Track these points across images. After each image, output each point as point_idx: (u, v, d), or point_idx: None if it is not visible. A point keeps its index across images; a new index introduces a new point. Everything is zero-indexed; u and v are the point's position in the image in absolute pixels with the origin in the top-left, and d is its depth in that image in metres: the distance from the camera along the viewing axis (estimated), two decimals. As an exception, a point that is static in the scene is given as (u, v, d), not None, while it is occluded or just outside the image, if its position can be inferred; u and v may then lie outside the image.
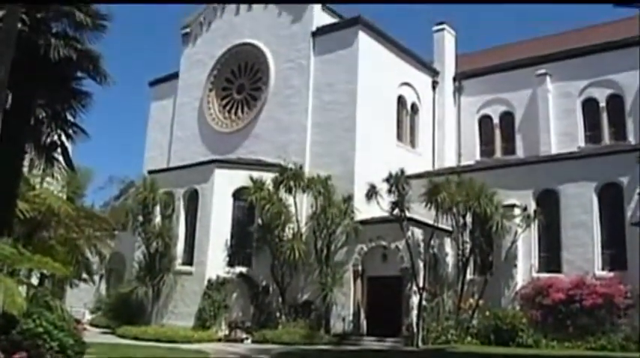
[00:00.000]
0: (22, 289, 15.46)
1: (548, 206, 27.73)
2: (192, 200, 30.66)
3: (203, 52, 37.27)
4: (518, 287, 27.42)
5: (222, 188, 29.90)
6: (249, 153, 32.40)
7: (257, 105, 33.67)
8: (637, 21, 29.36)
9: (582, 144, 32.13)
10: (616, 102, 31.99)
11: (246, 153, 32.56)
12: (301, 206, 29.11)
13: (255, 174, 29.27)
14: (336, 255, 28.44)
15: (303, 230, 28.92)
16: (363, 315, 27.77)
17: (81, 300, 34.18)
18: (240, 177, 29.58)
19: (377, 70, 31.75)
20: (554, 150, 32.00)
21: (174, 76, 38.91)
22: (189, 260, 30.03)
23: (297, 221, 28.68)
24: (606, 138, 31.89)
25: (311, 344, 25.59)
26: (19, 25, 15.30)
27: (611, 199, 26.80)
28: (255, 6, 35.37)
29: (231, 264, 29.30)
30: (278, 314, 28.31)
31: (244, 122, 33.85)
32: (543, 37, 37.22)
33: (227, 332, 27.97)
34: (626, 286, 25.06)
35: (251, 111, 33.94)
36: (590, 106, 32.66)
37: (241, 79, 35.48)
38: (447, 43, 37.40)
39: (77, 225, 23.22)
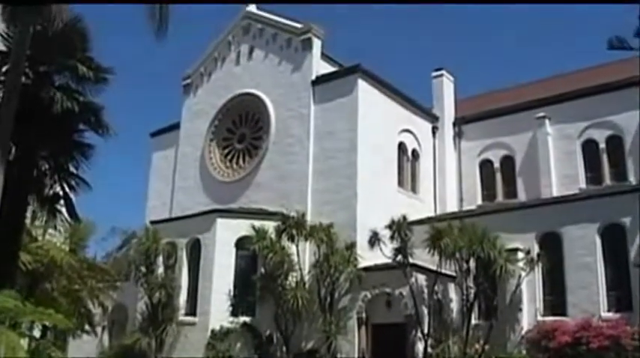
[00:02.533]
0: (24, 342, 15.39)
1: (552, 249, 27.60)
2: (195, 250, 30.60)
3: (204, 102, 37.60)
4: (523, 332, 27.11)
5: (225, 237, 29.87)
6: (251, 202, 32.46)
7: (258, 154, 33.83)
8: (634, 62, 29.65)
9: (583, 185, 32.13)
10: (615, 143, 32.09)
11: (248, 202, 32.62)
12: (304, 254, 29.01)
13: (257, 223, 29.21)
14: (339, 303, 28.23)
15: (306, 278, 28.78)
16: (368, 363, 27.52)
17: (83, 352, 33.81)
18: (243, 226, 29.53)
19: (377, 117, 31.99)
20: (556, 192, 31.99)
21: (176, 126, 39.16)
22: (192, 310, 29.83)
23: (300, 269, 28.56)
24: (607, 179, 31.90)
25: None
26: (23, 79, 15.51)
27: (614, 240, 26.68)
28: (255, 55, 35.80)
29: (234, 313, 29.08)
30: (282, 363, 28.05)
31: (246, 171, 33.97)
32: (541, 80, 37.54)
33: (232, 383, 27.69)
34: (632, 327, 24.80)
35: (252, 160, 34.08)
36: (590, 148, 32.75)
37: (242, 128, 35.72)
38: (445, 89, 37.66)
39: (79, 276, 23.27)
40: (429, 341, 25.91)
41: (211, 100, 37.07)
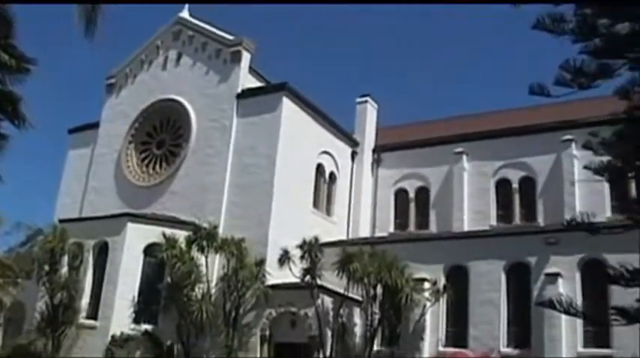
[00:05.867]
0: None
1: (458, 281, 28.12)
2: (102, 253, 29.90)
3: (126, 104, 36.94)
4: (424, 361, 27.52)
5: (134, 242, 29.32)
6: (165, 209, 31.95)
7: (176, 162, 33.39)
8: (555, 108, 30.58)
9: (494, 223, 32.82)
10: (528, 184, 32.90)
11: (161, 209, 32.09)
12: (213, 266, 28.66)
13: (169, 231, 28.84)
14: (244, 318, 28.04)
15: (213, 291, 28.41)
16: (267, 381, 27.37)
17: (-26, 350, 32.65)
18: (153, 233, 29.11)
19: (298, 136, 32.06)
20: (467, 227, 32.58)
21: (95, 125, 38.28)
22: (93, 314, 29.07)
23: (208, 281, 28.19)
24: (517, 219, 32.66)
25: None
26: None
27: (518, 278, 27.39)
28: (182, 62, 35.47)
29: (137, 320, 28.48)
30: (182, 376, 27.60)
31: (162, 178, 33.47)
32: (462, 116, 38.28)
33: (127, 392, 27.07)
34: (529, 363, 25.61)
35: (169, 167, 33.61)
36: (503, 187, 33.48)
37: (162, 134, 35.20)
38: (368, 115, 37.96)
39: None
40: (331, 364, 25.95)
41: (134, 102, 36.46)
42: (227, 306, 27.92)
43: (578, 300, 23.79)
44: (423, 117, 41.92)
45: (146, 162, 34.99)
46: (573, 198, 30.42)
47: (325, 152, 34.38)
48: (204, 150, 32.49)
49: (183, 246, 28.20)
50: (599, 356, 25.07)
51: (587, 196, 29.83)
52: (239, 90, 32.75)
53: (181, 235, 28.63)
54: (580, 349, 25.59)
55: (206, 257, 28.15)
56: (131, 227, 29.65)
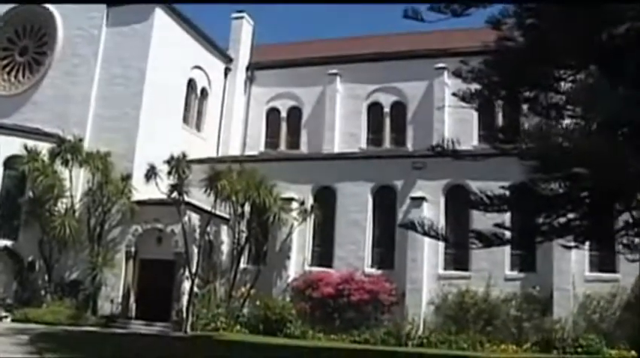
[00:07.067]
0: None
1: (326, 202, 28.52)
2: (-43, 162, 28.38)
3: (-14, 7, 34.51)
4: (290, 280, 27.96)
5: (-7, 154, 27.97)
6: (27, 120, 30.19)
7: (40, 71, 31.55)
8: (430, 36, 30.93)
9: (364, 146, 33.28)
10: (399, 109, 33.43)
11: (22, 119, 30.30)
12: (77, 181, 27.83)
13: (31, 143, 27.67)
14: (109, 235, 27.66)
15: (77, 206, 27.73)
16: (132, 298, 27.17)
17: None
18: (14, 145, 27.78)
19: (170, 49, 30.94)
20: (337, 149, 32.89)
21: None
22: (-53, 229, 27.82)
23: (72, 196, 27.43)
24: (387, 143, 33.22)
25: (76, 325, 24.54)
26: None
27: (385, 201, 28.09)
28: (48, -35, 33.28)
29: (-5, 236, 27.51)
30: (43, 292, 26.94)
31: (24, 87, 31.56)
32: (339, 39, 37.98)
33: (-17, 310, 26.19)
34: (391, 284, 26.50)
35: (33, 76, 31.73)
36: (375, 110, 33.87)
37: (25, 40, 32.96)
38: (244, 32, 37.22)
39: None
40: (196, 281, 25.99)
41: (-6, 6, 34.08)
42: (91, 222, 27.46)
43: (442, 224, 24.48)
44: (300, 38, 41.36)
45: (7, 69, 32.93)
46: (442, 126, 31.16)
47: (197, 67, 33.52)
48: (71, 59, 30.87)
49: (45, 158, 27.30)
50: (458, 277, 26.22)
51: (456, 124, 30.57)
52: (109, -3, 31.10)
53: (44, 147, 27.64)
54: (441, 271, 26.69)
55: (70, 171, 27.31)
56: (-10, 138, 28.19)
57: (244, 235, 27.91)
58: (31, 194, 27.61)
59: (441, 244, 25.26)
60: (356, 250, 27.68)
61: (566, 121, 14.20)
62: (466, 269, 26.34)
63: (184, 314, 25.40)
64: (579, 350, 23.28)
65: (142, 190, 27.08)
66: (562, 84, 14.58)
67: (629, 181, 12.50)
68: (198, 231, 26.91)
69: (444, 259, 26.95)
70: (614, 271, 24.72)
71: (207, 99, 34.53)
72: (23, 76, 32.18)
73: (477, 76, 15.33)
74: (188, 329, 25.05)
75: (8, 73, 32.58)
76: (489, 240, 15.61)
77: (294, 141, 34.97)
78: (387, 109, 33.55)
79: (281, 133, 35.53)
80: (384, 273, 27.07)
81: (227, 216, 28.06)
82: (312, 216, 28.26)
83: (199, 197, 26.90)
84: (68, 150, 27.21)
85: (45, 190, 26.89)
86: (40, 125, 29.59)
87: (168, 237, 26.86)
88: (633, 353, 22.37)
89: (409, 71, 32.80)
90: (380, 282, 26.58)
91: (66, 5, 31.53)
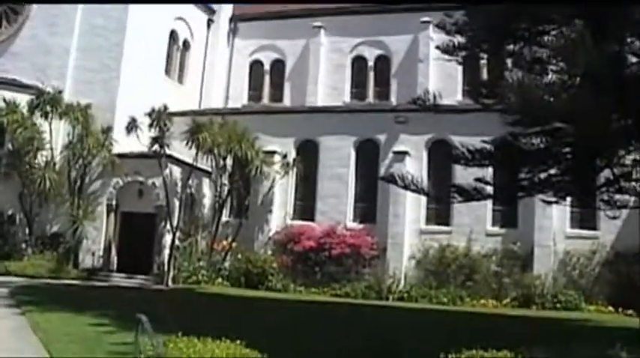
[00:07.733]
0: None
1: (308, 156, 28.47)
2: None
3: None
4: (271, 233, 28.00)
5: (-30, 111, 27.43)
6: (5, 71, 29.46)
7: (18, 21, 30.82)
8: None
9: (348, 99, 32.98)
10: (384, 63, 33.09)
11: (1, 71, 29.73)
12: (57, 133, 27.51)
13: (9, 95, 27.26)
14: (90, 188, 27.49)
15: (57, 159, 27.48)
16: (114, 251, 27.26)
17: None
18: (-9, 97, 27.35)
19: (151, -1, 30.36)
20: (321, 102, 32.57)
21: None
22: None
23: (52, 149, 27.17)
24: (371, 97, 32.95)
25: (57, 279, 24.55)
26: None
27: (367, 155, 28.04)
28: None
29: (-27, 189, 27.21)
30: (24, 245, 26.87)
31: (2, 37, 30.75)
32: (324, -9, 37.47)
33: (-36, 263, 26.03)
34: (373, 238, 26.58)
35: (11, 26, 31.05)
36: (359, 64, 33.49)
37: (3, -11, 32.43)
38: (227, -17, 36.51)
39: None
40: (178, 234, 25.99)
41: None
42: (72, 175, 27.30)
43: (424, 179, 24.30)
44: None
45: (-16, 19, 32.29)
46: (427, 80, 30.82)
47: (180, 18, 32.92)
48: (50, 9, 30.11)
49: (24, 110, 27.01)
50: (440, 232, 26.32)
51: (441, 79, 30.20)
52: (88, -56, 30.30)
53: (23, 99, 27.30)
54: (422, 226, 26.78)
55: (50, 123, 27.03)
56: (-34, 89, 27.67)
57: (226, 188, 27.83)
58: (10, 146, 27.36)
59: (423, 199, 25.31)
60: (338, 204, 27.69)
61: (550, 76, 14.08)
62: (447, 224, 26.47)
63: (165, 267, 25.50)
64: (558, 305, 23.64)
65: (123, 143, 26.83)
66: (546, 38, 14.38)
67: (611, 137, 12.45)
68: (179, 184, 26.79)
69: (426, 214, 27.04)
70: (594, 228, 25.01)
71: (189, 51, 33.98)
72: (1, 26, 31.51)
73: (461, 29, 15.09)
74: (169, 282, 25.17)
75: (-15, 23, 31.88)
76: (470, 194, 15.57)
77: (277, 94, 34.54)
78: (371, 63, 33.21)
79: (264, 86, 35.07)
80: (366, 227, 27.14)
81: (209, 169, 27.91)
82: (295, 170, 28.20)
83: (181, 150, 26.68)
84: (48, 102, 26.84)
85: (24, 143, 26.68)
86: (19, 76, 29.04)
87: (149, 190, 26.75)
88: (610, 308, 22.75)
89: (394, 25, 32.38)
90: (361, 236, 26.65)
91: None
